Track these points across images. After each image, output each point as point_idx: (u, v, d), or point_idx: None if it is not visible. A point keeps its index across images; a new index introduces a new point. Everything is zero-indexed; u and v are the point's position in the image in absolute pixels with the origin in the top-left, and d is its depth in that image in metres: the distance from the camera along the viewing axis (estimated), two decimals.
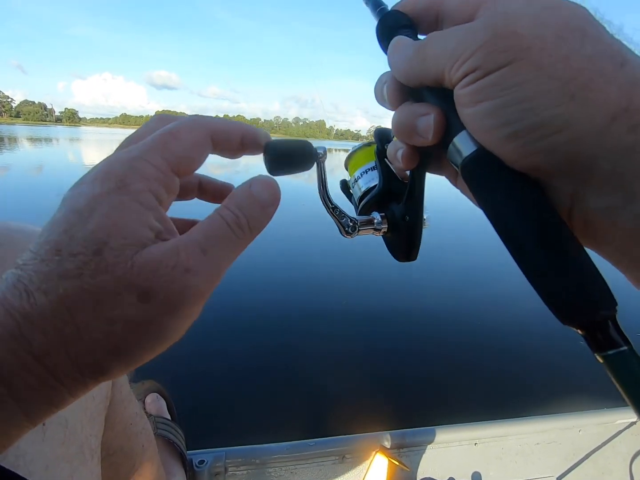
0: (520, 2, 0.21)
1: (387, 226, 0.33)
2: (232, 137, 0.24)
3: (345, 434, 0.98)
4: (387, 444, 0.96)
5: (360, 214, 0.35)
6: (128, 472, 0.48)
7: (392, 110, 0.27)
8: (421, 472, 0.99)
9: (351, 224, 0.33)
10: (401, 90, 0.26)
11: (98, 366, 0.18)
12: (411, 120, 0.25)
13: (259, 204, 0.22)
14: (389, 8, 0.29)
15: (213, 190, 0.30)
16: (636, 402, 0.18)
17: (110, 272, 0.18)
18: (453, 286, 3.49)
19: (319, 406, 1.85)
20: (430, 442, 0.98)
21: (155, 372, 0.89)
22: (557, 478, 1.05)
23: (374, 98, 0.31)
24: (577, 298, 0.19)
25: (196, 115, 0.24)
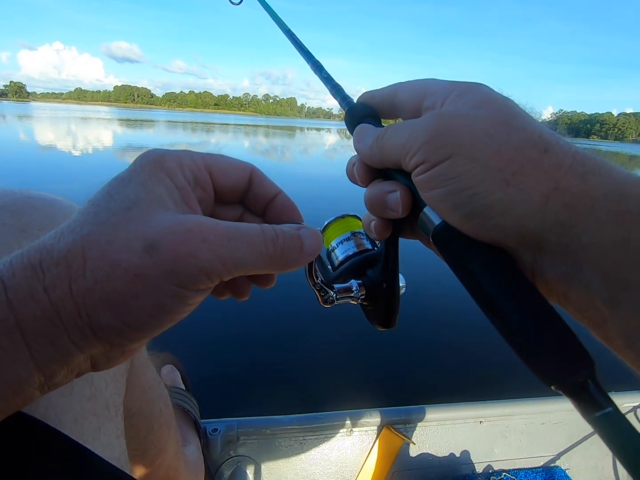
0: (453, 102, 0.25)
1: (364, 294, 0.33)
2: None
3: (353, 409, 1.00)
4: (394, 420, 0.98)
5: (337, 282, 0.35)
6: (147, 434, 0.51)
7: (364, 187, 0.30)
8: (426, 447, 1.01)
9: (330, 294, 0.32)
10: (369, 171, 0.29)
11: (93, 311, 0.19)
12: (381, 197, 0.27)
13: (300, 246, 0.24)
14: (355, 101, 0.32)
15: (263, 198, 0.28)
16: (628, 462, 0.17)
17: (132, 222, 0.20)
18: None
19: (329, 382, 1.89)
20: (436, 419, 1.00)
21: (169, 346, 0.92)
22: (561, 457, 1.06)
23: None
24: (556, 361, 0.19)
25: None
